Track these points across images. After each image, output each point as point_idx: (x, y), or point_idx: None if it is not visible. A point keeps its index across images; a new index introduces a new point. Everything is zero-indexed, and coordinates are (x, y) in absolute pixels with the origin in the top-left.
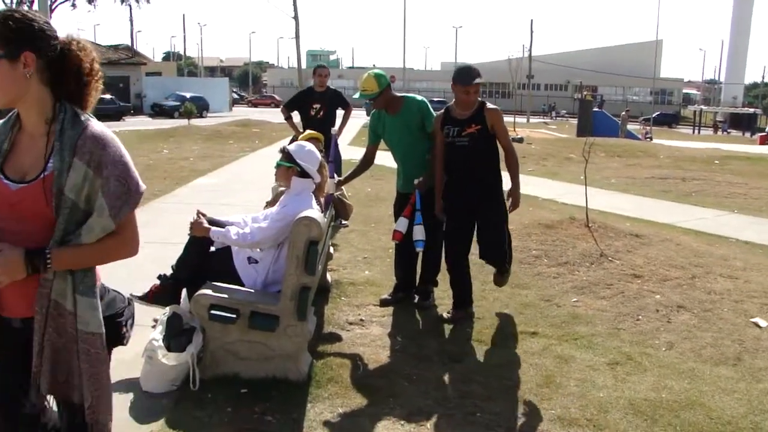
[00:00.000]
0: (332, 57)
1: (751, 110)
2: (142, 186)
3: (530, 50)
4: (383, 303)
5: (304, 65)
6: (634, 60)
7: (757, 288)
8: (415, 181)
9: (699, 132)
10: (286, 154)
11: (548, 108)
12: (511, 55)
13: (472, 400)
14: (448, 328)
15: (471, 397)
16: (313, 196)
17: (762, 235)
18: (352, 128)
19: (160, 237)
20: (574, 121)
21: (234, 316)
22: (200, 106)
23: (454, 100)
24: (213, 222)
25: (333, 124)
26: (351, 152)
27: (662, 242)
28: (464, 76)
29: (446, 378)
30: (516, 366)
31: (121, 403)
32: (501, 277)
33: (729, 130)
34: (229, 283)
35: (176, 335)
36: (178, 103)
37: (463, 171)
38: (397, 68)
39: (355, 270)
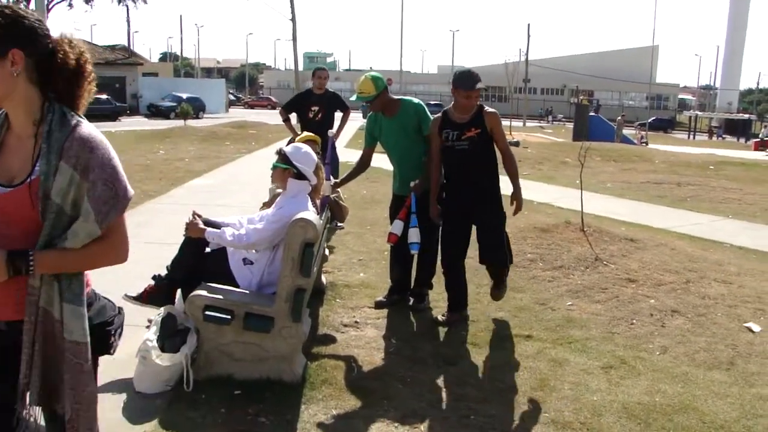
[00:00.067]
0: (329, 59)
1: (746, 116)
2: (131, 191)
3: (527, 54)
4: (378, 305)
5: (301, 67)
6: (631, 65)
7: (750, 293)
8: (411, 184)
9: (694, 137)
10: (282, 155)
11: (546, 112)
12: (507, 59)
13: (466, 403)
14: (442, 330)
15: (465, 399)
16: (309, 198)
17: (756, 241)
18: (348, 131)
19: (156, 237)
20: (570, 126)
21: (228, 317)
22: (196, 107)
23: (452, 103)
24: (208, 223)
25: (331, 127)
26: (347, 155)
27: (657, 247)
28: (466, 80)
29: (440, 380)
30: (510, 369)
31: (114, 403)
32: (498, 291)
33: (724, 136)
34: (224, 284)
35: (170, 336)
36: (174, 104)
37: (462, 175)
38: (393, 71)
39: (350, 272)
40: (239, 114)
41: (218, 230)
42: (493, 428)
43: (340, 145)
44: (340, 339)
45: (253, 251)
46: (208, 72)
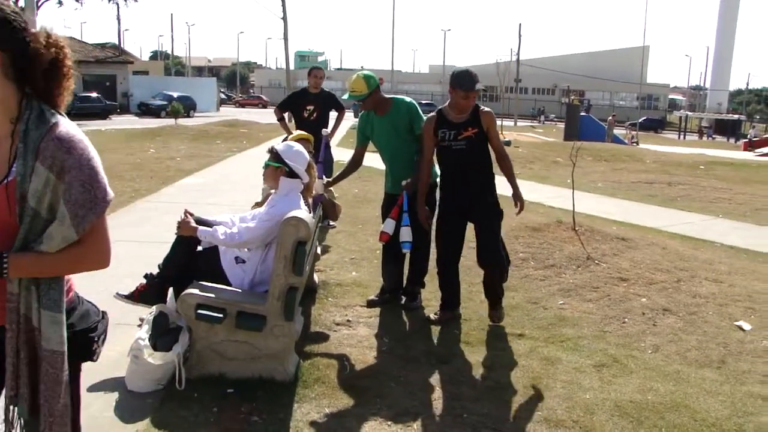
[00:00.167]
0: (320, 58)
1: (736, 117)
2: (110, 193)
3: (518, 54)
4: (370, 304)
5: (292, 66)
6: (622, 65)
7: (741, 292)
8: (403, 183)
9: (684, 137)
10: (274, 154)
11: (538, 112)
12: (499, 58)
13: (459, 402)
14: (435, 329)
15: (458, 398)
16: (301, 197)
17: (746, 240)
18: (341, 130)
19: (147, 236)
20: (561, 125)
21: (221, 315)
22: (187, 106)
23: (447, 103)
24: (200, 221)
25: (326, 126)
26: (339, 153)
27: (648, 246)
28: (466, 81)
29: (433, 379)
30: (503, 367)
31: (106, 402)
32: (496, 312)
33: (714, 136)
34: (216, 283)
35: (162, 334)
36: (165, 103)
37: (459, 174)
38: (385, 70)
39: (342, 271)
40: (230, 113)
41: (210, 229)
42: (486, 426)
43: (332, 144)
44: (332, 338)
45: (245, 250)
46: (199, 71)
